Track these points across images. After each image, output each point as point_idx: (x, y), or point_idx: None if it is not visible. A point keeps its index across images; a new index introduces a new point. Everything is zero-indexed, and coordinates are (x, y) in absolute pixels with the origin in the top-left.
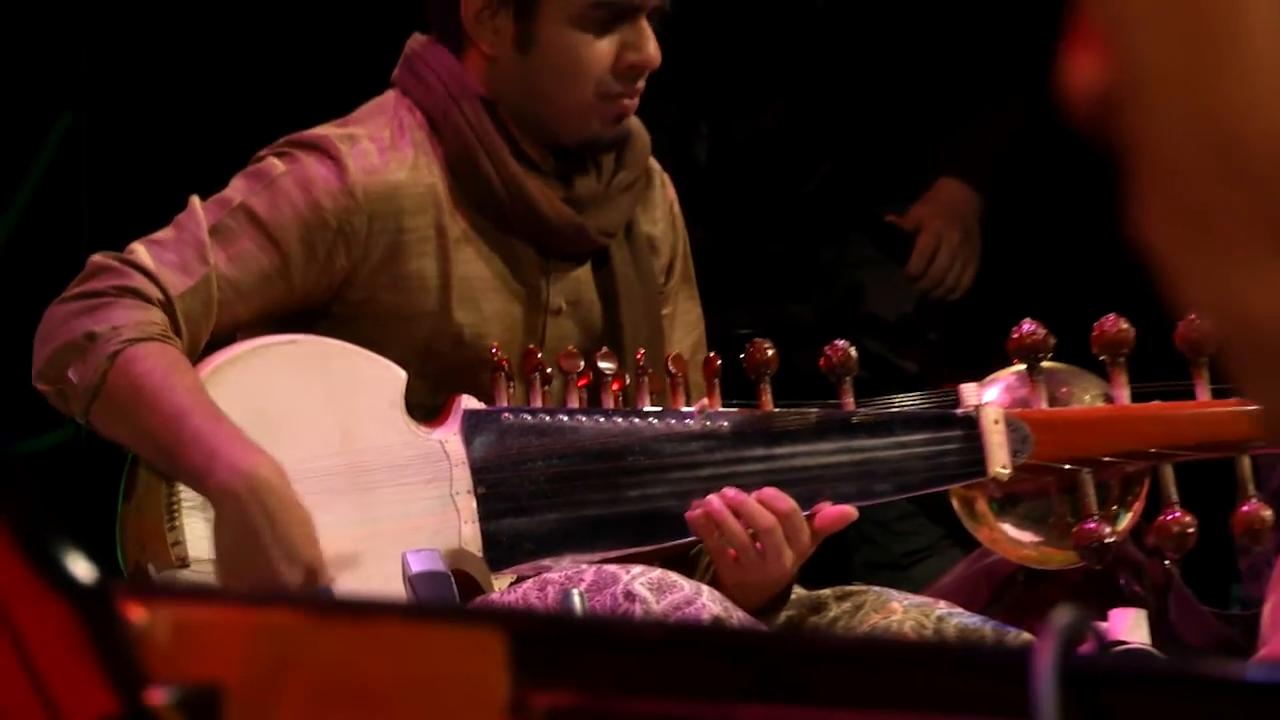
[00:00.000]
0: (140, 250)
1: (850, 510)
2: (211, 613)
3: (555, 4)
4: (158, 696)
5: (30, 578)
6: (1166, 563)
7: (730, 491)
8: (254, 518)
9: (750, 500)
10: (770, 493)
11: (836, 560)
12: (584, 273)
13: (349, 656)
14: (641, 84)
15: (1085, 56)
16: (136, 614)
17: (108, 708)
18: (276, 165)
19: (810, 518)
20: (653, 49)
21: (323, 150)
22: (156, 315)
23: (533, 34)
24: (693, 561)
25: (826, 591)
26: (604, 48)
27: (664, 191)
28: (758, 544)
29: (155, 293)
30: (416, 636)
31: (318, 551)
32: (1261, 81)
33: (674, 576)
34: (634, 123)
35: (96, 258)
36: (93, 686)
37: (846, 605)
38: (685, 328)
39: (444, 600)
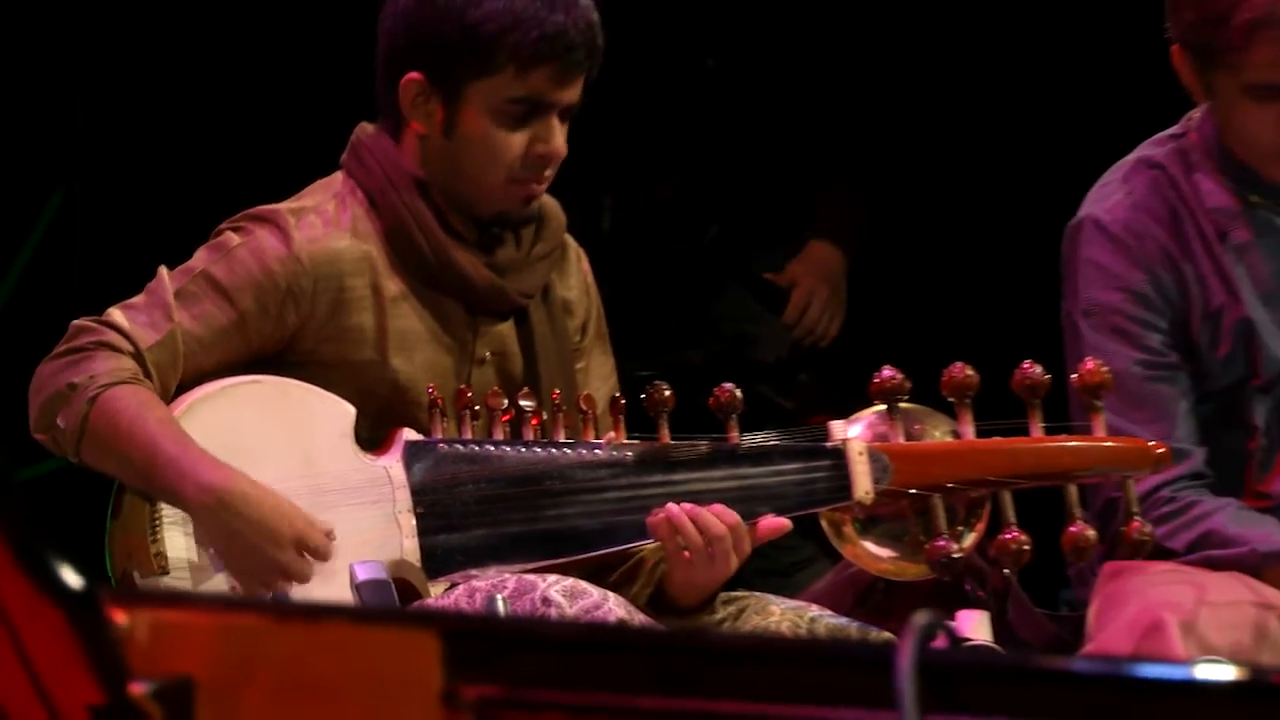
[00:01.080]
0: (115, 313)
1: (786, 522)
2: (185, 615)
3: (477, 97)
4: (138, 689)
5: (27, 585)
6: (1005, 571)
7: (687, 504)
8: (230, 521)
9: (705, 511)
10: (720, 508)
11: None
12: (507, 328)
13: (304, 653)
14: (550, 172)
15: None
16: (119, 617)
17: (95, 699)
18: (233, 238)
19: (752, 528)
20: (559, 143)
21: (273, 223)
22: (128, 363)
23: (456, 121)
24: (633, 570)
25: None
26: (516, 139)
27: (579, 264)
28: (710, 548)
29: (127, 345)
30: (362, 636)
31: (299, 523)
32: None
33: (584, 585)
34: (551, 203)
35: (77, 321)
36: (82, 680)
37: (732, 609)
38: (600, 379)
39: (386, 604)
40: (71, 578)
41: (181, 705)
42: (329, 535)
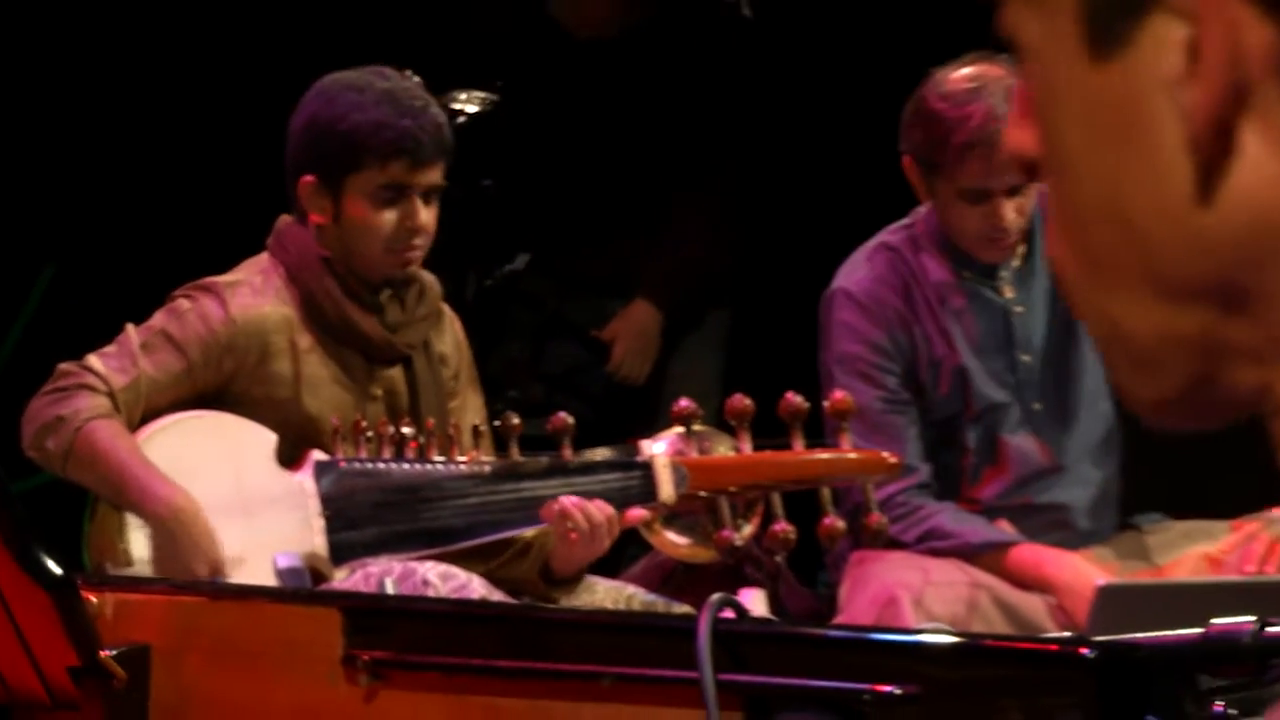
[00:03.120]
0: (93, 359)
1: (647, 513)
2: (142, 596)
3: (353, 188)
4: (106, 653)
5: (19, 573)
6: (777, 559)
7: (574, 497)
8: (175, 534)
9: (590, 504)
10: (599, 502)
11: None
12: (396, 373)
13: (236, 624)
14: (418, 240)
15: (1023, 125)
16: (91, 597)
17: (73, 661)
18: (184, 303)
19: (621, 517)
20: (422, 219)
21: (214, 292)
22: (103, 401)
23: (341, 209)
24: (524, 550)
25: None
26: (388, 218)
27: (453, 326)
28: (593, 531)
29: (103, 386)
30: (281, 611)
31: (219, 552)
32: (1166, 189)
33: (454, 569)
34: (430, 278)
35: (62, 365)
36: (63, 647)
37: (562, 586)
38: (474, 412)
39: (301, 586)
40: (54, 567)
41: (140, 666)
42: (224, 569)
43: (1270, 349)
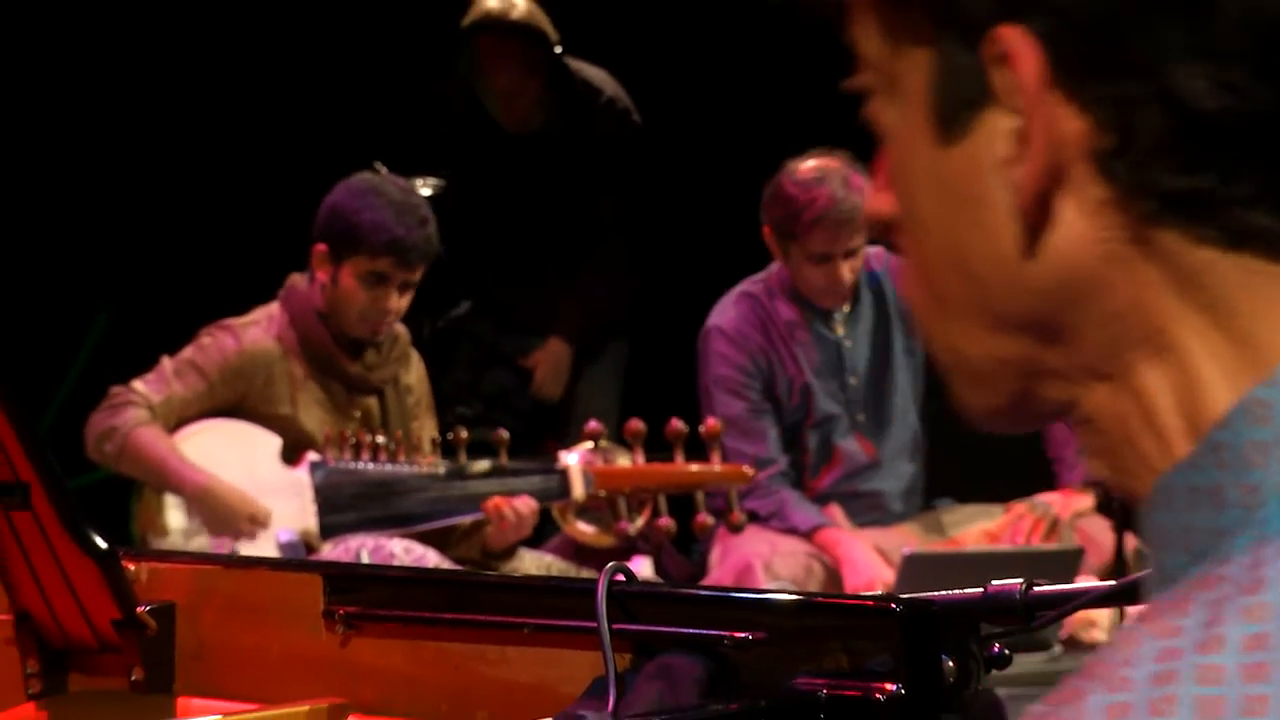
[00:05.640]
0: (136, 383)
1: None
2: (169, 565)
3: (348, 267)
4: (141, 609)
5: (74, 547)
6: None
7: (504, 497)
8: (211, 506)
9: (516, 500)
10: (524, 498)
11: None
12: (372, 401)
13: (242, 586)
14: (386, 320)
15: (883, 192)
16: (129, 565)
17: (115, 615)
18: (206, 339)
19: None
20: (391, 304)
21: (230, 330)
22: (145, 413)
23: (338, 279)
24: (471, 531)
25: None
26: (367, 297)
27: (418, 364)
28: (520, 519)
29: (144, 402)
30: (277, 576)
31: (254, 504)
32: (998, 246)
33: (416, 544)
34: (401, 327)
35: (112, 387)
36: (107, 604)
37: (498, 558)
38: (431, 429)
39: (296, 556)
40: (101, 542)
41: (167, 619)
42: (266, 515)
43: (1075, 372)
